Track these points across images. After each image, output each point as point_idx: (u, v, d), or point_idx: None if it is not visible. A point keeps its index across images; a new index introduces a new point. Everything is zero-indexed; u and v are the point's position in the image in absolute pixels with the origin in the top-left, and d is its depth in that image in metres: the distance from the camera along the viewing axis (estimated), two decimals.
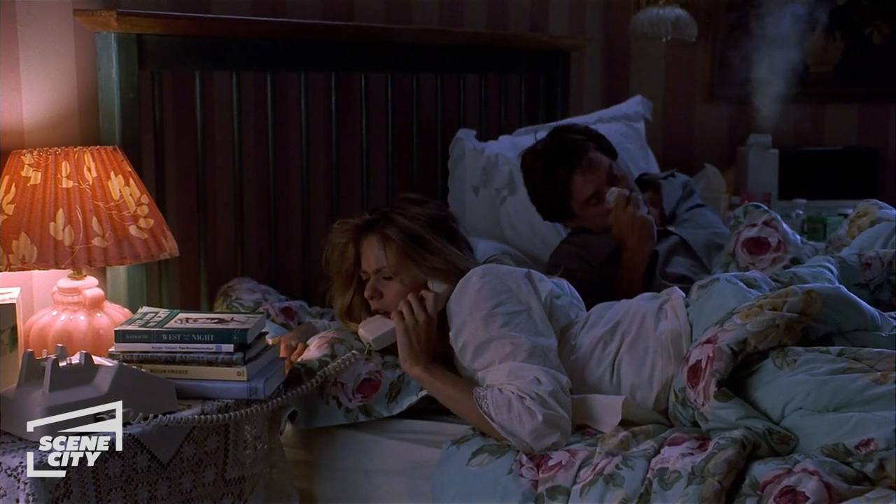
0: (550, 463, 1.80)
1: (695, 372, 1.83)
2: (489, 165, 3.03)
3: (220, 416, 1.84)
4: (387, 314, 2.09)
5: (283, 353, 2.17)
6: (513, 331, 1.96)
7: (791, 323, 1.84)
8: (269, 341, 2.09)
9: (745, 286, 2.02)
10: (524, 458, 1.83)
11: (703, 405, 1.79)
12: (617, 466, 1.72)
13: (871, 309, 1.96)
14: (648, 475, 1.69)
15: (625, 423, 1.89)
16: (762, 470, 1.61)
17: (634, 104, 3.55)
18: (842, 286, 2.00)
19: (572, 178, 2.70)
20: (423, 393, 2.04)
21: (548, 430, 1.84)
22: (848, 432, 1.64)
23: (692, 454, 1.69)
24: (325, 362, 2.10)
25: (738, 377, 1.82)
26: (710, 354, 1.81)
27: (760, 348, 1.82)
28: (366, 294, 2.11)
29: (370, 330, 2.06)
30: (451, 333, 2.01)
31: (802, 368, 1.76)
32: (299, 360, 2.14)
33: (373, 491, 2.06)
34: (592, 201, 2.71)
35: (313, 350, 2.16)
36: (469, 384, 1.96)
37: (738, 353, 1.80)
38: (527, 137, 3.19)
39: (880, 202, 2.74)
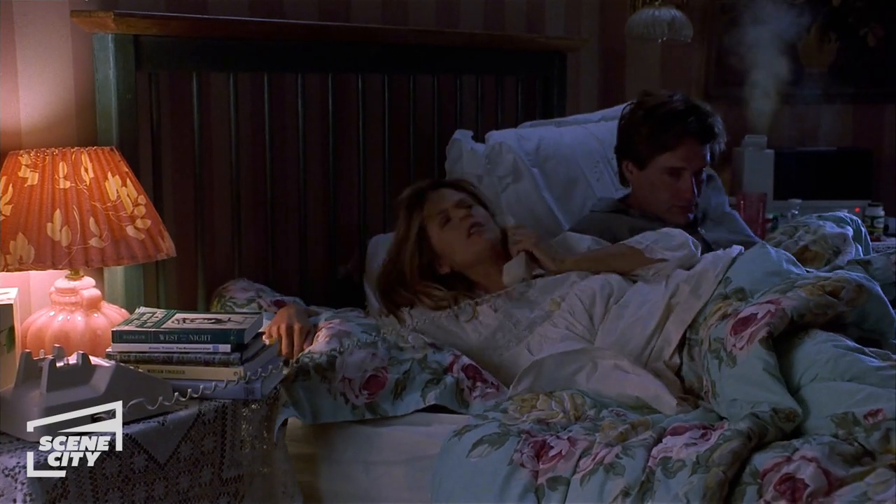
0: (551, 453, 1.82)
1: (744, 322, 1.89)
2: (493, 154, 3.02)
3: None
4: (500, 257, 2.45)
5: (283, 335, 2.22)
6: None
7: (840, 314, 1.92)
8: (266, 342, 2.09)
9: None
10: (525, 449, 1.84)
11: (741, 348, 1.84)
12: (617, 456, 1.74)
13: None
14: (650, 464, 1.71)
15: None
16: (762, 458, 1.64)
17: None
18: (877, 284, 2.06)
19: (680, 142, 2.66)
20: (432, 401, 2.09)
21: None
22: (859, 401, 1.68)
23: (696, 444, 1.72)
24: (333, 357, 2.12)
25: None
26: (772, 310, 1.86)
27: (806, 322, 1.88)
28: (470, 224, 2.45)
29: (513, 271, 2.37)
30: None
31: (822, 337, 1.83)
32: (308, 349, 2.16)
33: (373, 482, 2.07)
34: (671, 173, 2.67)
35: (321, 343, 2.17)
36: (618, 246, 2.42)
37: (795, 321, 1.86)
38: (532, 130, 3.17)
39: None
